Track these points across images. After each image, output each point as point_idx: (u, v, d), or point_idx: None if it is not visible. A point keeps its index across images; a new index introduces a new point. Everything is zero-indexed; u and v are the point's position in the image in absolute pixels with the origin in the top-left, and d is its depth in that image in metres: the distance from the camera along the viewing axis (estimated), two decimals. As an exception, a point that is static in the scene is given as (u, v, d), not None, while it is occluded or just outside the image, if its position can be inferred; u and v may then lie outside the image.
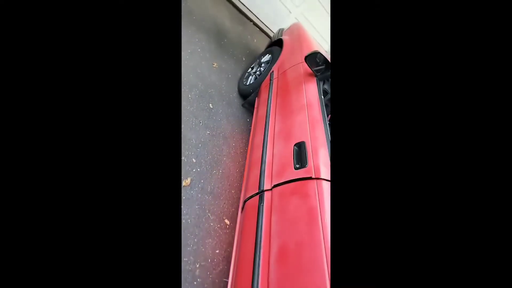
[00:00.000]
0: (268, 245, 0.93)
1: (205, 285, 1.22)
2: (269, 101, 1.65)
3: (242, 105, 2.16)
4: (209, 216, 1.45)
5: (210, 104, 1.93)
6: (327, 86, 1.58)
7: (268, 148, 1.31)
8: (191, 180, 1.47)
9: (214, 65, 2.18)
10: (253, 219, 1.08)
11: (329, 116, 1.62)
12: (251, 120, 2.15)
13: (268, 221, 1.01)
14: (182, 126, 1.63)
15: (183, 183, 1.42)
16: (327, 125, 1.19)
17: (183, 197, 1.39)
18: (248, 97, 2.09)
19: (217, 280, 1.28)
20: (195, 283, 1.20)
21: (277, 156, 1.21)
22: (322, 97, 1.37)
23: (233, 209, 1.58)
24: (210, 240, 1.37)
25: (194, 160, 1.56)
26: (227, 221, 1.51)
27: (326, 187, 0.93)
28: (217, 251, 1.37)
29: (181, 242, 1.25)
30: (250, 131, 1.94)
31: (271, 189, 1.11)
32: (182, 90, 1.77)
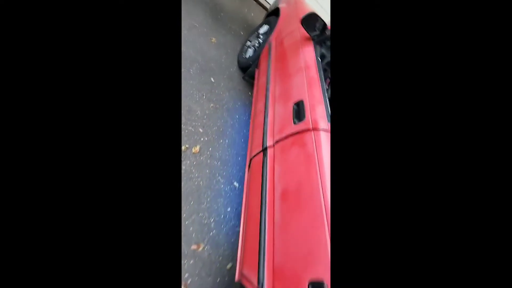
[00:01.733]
0: (273, 190, 1.05)
1: (220, 236, 1.37)
2: (269, 69, 1.71)
3: (243, 78, 2.21)
4: (219, 179, 1.58)
5: (212, 78, 1.99)
6: (324, 50, 1.62)
7: (269, 111, 1.39)
8: (199, 147, 1.58)
9: (212, 40, 2.21)
10: (258, 173, 1.19)
11: (328, 80, 1.67)
12: (252, 93, 2.21)
13: (272, 172, 1.12)
14: (187, 99, 1.71)
15: (193, 150, 1.54)
16: (324, 85, 1.26)
17: (193, 163, 1.51)
18: (248, 70, 2.13)
19: (230, 232, 1.43)
20: (210, 234, 1.35)
21: (278, 116, 1.30)
22: (319, 59, 1.42)
23: (240, 173, 1.70)
24: (221, 199, 1.51)
25: (201, 130, 1.66)
26: (236, 184, 1.64)
27: (323, 136, 1.02)
28: (229, 209, 1.51)
29: (195, 203, 1.39)
30: (252, 103, 2.01)
31: (273, 145, 1.21)
32: (183, 65, 1.83)
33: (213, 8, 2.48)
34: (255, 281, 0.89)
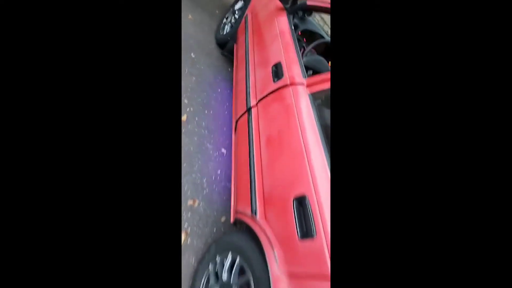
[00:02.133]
0: (258, 140, 1.19)
1: (213, 194, 1.50)
2: (246, 41, 1.80)
3: (222, 54, 2.28)
4: (208, 146, 1.68)
5: (192, 54, 2.04)
6: (296, 20, 1.75)
7: (250, 77, 1.51)
8: (186, 116, 1.66)
9: (189, 17, 2.24)
10: (245, 130, 1.32)
11: (302, 49, 1.81)
12: (231, 69, 2.29)
13: (257, 127, 1.26)
14: (170, 73, 1.76)
15: (181, 119, 1.62)
16: (298, 48, 1.39)
17: (182, 130, 1.59)
18: (226, 45, 2.21)
19: (222, 192, 1.56)
20: (204, 192, 1.47)
21: (259, 79, 1.42)
22: (293, 27, 1.55)
23: (227, 141, 1.82)
24: (211, 163, 1.62)
25: (186, 101, 1.74)
26: (223, 150, 1.76)
27: (300, 89, 1.17)
28: (219, 172, 1.63)
29: (188, 166, 1.49)
30: (232, 77, 2.10)
31: (256, 104, 1.34)
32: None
33: (186, -14, 2.48)
34: (249, 212, 1.04)
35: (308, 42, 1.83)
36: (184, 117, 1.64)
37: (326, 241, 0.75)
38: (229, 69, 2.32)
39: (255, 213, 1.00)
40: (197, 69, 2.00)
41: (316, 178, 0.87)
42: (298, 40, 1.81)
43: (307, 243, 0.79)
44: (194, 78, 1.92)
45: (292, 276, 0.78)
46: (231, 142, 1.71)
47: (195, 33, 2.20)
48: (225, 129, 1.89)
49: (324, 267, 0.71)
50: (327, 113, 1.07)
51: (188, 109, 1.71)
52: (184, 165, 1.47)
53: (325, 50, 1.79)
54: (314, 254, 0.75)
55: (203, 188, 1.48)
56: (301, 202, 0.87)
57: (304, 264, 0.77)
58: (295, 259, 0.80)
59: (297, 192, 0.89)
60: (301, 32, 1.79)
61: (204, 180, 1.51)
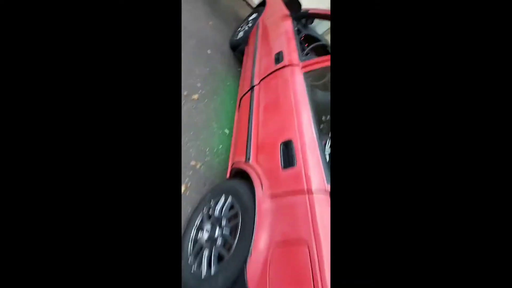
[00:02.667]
0: (258, 108, 1.39)
1: (213, 162, 1.67)
2: (256, 42, 2.10)
3: (234, 54, 2.60)
4: (213, 124, 1.89)
5: (208, 50, 2.35)
6: (300, 26, 2.05)
7: (256, 63, 1.77)
8: (198, 96, 1.90)
9: (210, 23, 2.60)
10: (247, 105, 1.53)
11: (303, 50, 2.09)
12: (240, 69, 2.58)
13: (257, 100, 1.47)
14: (187, 61, 2.04)
15: (192, 97, 1.85)
16: (299, 42, 1.66)
17: (193, 106, 1.81)
18: (238, 47, 2.53)
19: (222, 163, 1.72)
20: (205, 159, 1.64)
21: (262, 65, 1.67)
22: (296, 28, 1.84)
23: (230, 125, 2.02)
24: (215, 139, 1.82)
25: (198, 85, 1.99)
26: (226, 131, 1.96)
27: (297, 69, 1.40)
28: (220, 146, 1.81)
29: (194, 134, 1.68)
30: (239, 76, 2.38)
31: (259, 83, 1.57)
32: (186, 37, 2.18)
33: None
34: (243, 159, 1.20)
35: (309, 45, 2.11)
36: (195, 96, 1.88)
37: (304, 169, 0.91)
38: (238, 68, 2.62)
39: (249, 160, 1.17)
40: (211, 63, 2.28)
41: (302, 126, 1.05)
42: (300, 42, 2.10)
43: (289, 171, 0.95)
44: (208, 69, 2.19)
45: (274, 196, 0.92)
46: (234, 124, 1.91)
47: (213, 36, 2.53)
48: (230, 115, 2.11)
49: (300, 184, 0.87)
50: (314, 86, 1.29)
51: (200, 91, 1.95)
52: (191, 133, 1.66)
53: (322, 52, 2.06)
54: (293, 176, 0.91)
55: (205, 155, 1.65)
56: (287, 145, 1.04)
57: (285, 185, 0.92)
58: (278, 183, 0.95)
59: (284, 137, 1.07)
60: (303, 37, 2.09)
61: (207, 149, 1.69)
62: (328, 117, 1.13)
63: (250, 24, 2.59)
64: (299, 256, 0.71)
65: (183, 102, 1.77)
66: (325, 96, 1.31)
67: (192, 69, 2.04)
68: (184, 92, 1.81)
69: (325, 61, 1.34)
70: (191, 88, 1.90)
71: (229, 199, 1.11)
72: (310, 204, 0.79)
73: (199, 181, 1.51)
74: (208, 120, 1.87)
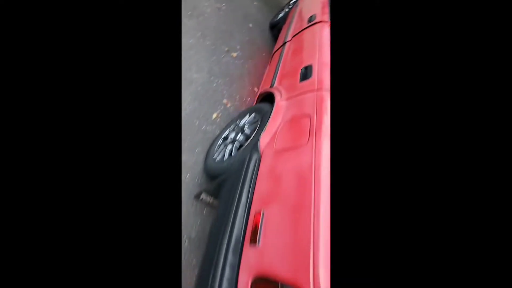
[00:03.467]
0: (287, 54, 1.60)
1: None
2: (293, 16, 2.33)
3: (271, 31, 2.87)
4: (245, 79, 2.14)
5: (250, 24, 2.65)
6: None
7: (291, 28, 1.99)
8: (236, 55, 2.18)
9: (254, 3, 2.92)
10: (277, 56, 1.75)
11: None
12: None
13: (288, 49, 1.68)
14: (231, 27, 2.35)
15: (232, 54, 2.14)
16: (329, 10, 1.84)
17: (230, 61, 2.09)
18: (276, 26, 2.79)
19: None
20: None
21: (296, 26, 1.89)
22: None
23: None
24: (245, 92, 2.06)
25: (238, 47, 2.27)
26: (255, 89, 2.19)
27: (325, 25, 1.58)
28: (249, 99, 2.05)
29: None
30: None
31: (291, 39, 1.78)
32: (230, 9, 2.50)
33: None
34: (269, 86, 1.41)
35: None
36: (234, 54, 2.16)
37: (318, 77, 1.09)
38: (272, 45, 2.87)
39: (273, 85, 1.38)
40: (251, 34, 2.57)
41: (323, 55, 1.24)
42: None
43: (305, 82, 1.13)
44: (247, 38, 2.48)
45: (289, 98, 1.12)
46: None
47: (255, 13, 2.84)
48: (260, 77, 2.35)
49: (312, 86, 1.05)
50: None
51: (238, 53, 2.24)
52: (226, 78, 1.94)
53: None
54: (308, 84, 1.09)
55: (235, 100, 1.90)
56: (307, 68, 1.23)
57: (299, 90, 1.11)
58: (294, 90, 1.14)
59: (306, 64, 1.26)
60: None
61: (237, 96, 1.94)
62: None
63: (290, 6, 2.85)
64: (303, 123, 0.89)
65: (223, 55, 2.06)
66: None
67: (234, 34, 2.34)
68: (225, 48, 2.11)
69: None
70: (231, 48, 2.20)
71: (253, 114, 1.32)
72: (318, 96, 0.97)
73: (227, 117, 1.75)
74: (241, 75, 2.13)
